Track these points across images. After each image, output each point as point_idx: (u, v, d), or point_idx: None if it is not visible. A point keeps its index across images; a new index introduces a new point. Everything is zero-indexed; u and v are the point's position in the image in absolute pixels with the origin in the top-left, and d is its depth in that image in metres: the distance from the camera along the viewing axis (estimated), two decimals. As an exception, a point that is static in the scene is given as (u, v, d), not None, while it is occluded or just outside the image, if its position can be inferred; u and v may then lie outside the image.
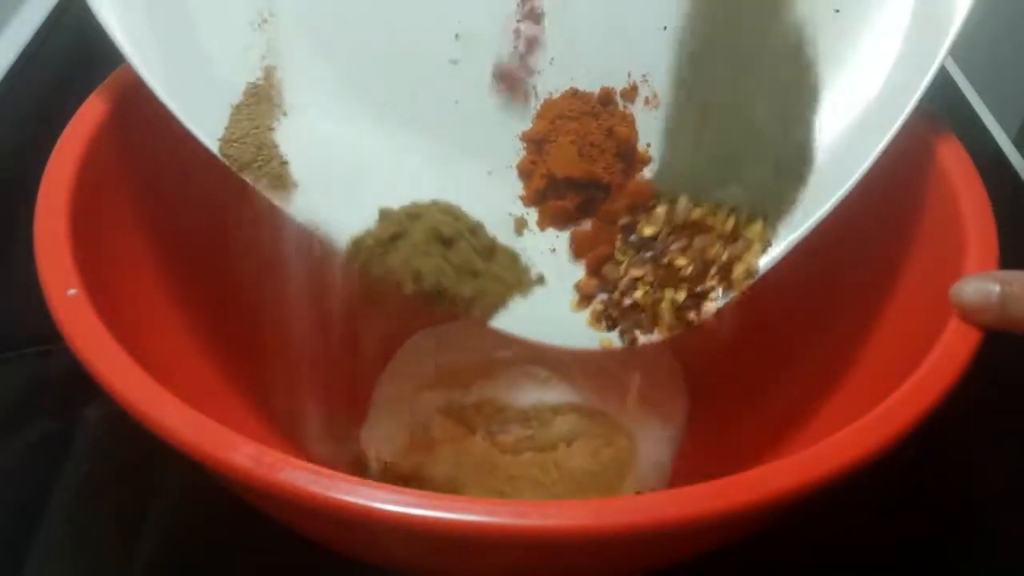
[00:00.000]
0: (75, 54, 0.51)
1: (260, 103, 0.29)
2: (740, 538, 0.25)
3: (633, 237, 0.30)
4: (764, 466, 0.20)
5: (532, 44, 0.33)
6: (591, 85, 0.33)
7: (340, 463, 0.35)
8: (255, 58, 0.30)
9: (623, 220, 0.31)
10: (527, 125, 0.33)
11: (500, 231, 0.30)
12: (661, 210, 0.30)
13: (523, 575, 0.25)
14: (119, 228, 0.29)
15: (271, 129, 0.29)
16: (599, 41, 0.33)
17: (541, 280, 0.30)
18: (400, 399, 0.37)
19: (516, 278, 0.29)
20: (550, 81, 0.33)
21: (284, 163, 0.28)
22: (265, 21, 0.30)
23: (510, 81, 0.33)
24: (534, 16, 0.32)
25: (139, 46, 0.27)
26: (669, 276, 0.29)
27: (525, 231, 0.32)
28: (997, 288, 0.24)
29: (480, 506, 0.19)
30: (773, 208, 0.29)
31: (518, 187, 0.33)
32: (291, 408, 0.34)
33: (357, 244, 0.28)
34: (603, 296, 0.30)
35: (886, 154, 0.28)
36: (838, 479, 0.21)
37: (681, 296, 0.29)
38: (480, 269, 0.28)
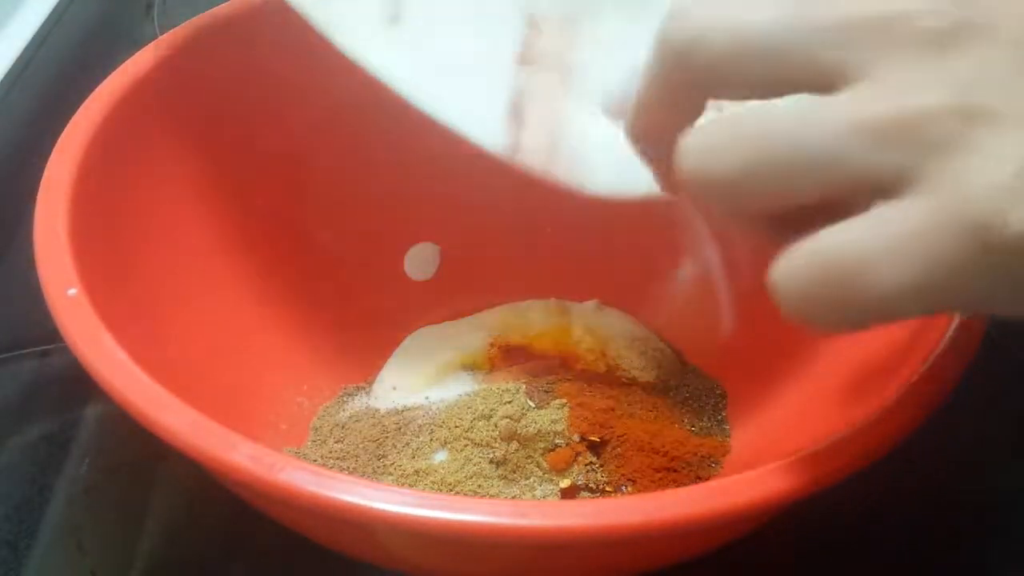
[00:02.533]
0: (75, 54, 0.51)
1: None
2: (741, 538, 0.25)
3: None
4: (764, 467, 0.21)
5: None
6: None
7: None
8: None
9: None
10: None
11: None
12: None
13: (523, 575, 0.25)
14: (119, 228, 0.29)
15: None
16: None
17: None
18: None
19: None
20: None
21: None
22: None
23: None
24: None
25: None
26: None
27: None
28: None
29: (480, 506, 0.20)
30: None
31: None
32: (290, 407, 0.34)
33: None
34: None
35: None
36: (841, 478, 0.21)
37: None
38: None
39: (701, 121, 0.19)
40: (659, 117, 0.20)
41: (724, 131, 0.18)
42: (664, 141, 0.20)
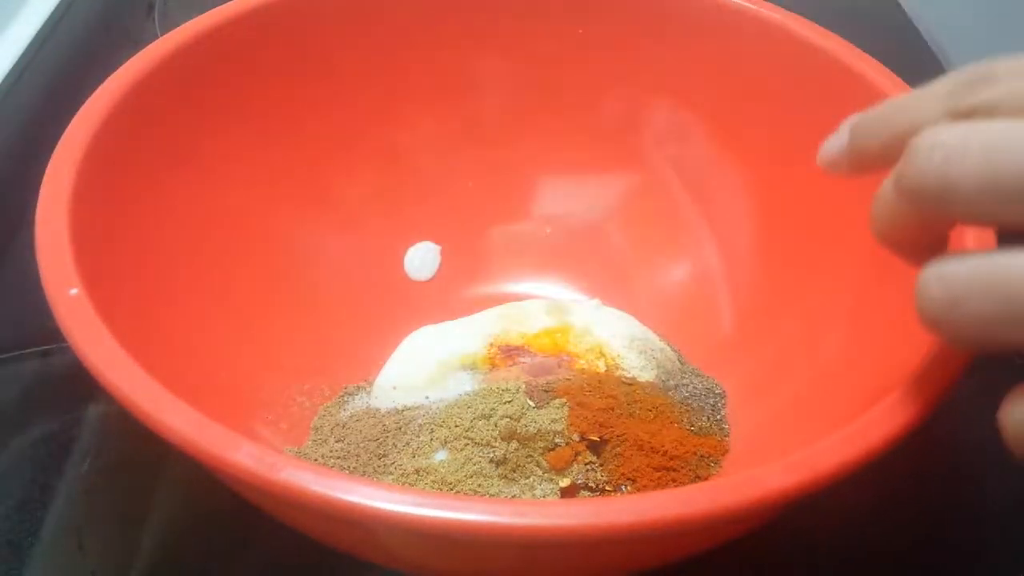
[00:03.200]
0: (76, 54, 0.51)
1: None
2: (741, 537, 0.25)
3: None
4: (764, 467, 0.21)
5: None
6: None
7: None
8: None
9: None
10: None
11: None
12: None
13: (523, 575, 0.25)
14: (120, 228, 0.29)
15: None
16: None
17: None
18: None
19: None
20: None
21: None
22: None
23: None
24: None
25: None
26: None
27: None
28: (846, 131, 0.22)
29: (480, 506, 0.20)
30: None
31: None
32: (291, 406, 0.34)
33: None
34: None
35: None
36: (840, 479, 0.21)
37: None
38: None
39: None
40: (907, 229, 0.21)
41: (976, 283, 0.17)
42: (912, 240, 0.21)
